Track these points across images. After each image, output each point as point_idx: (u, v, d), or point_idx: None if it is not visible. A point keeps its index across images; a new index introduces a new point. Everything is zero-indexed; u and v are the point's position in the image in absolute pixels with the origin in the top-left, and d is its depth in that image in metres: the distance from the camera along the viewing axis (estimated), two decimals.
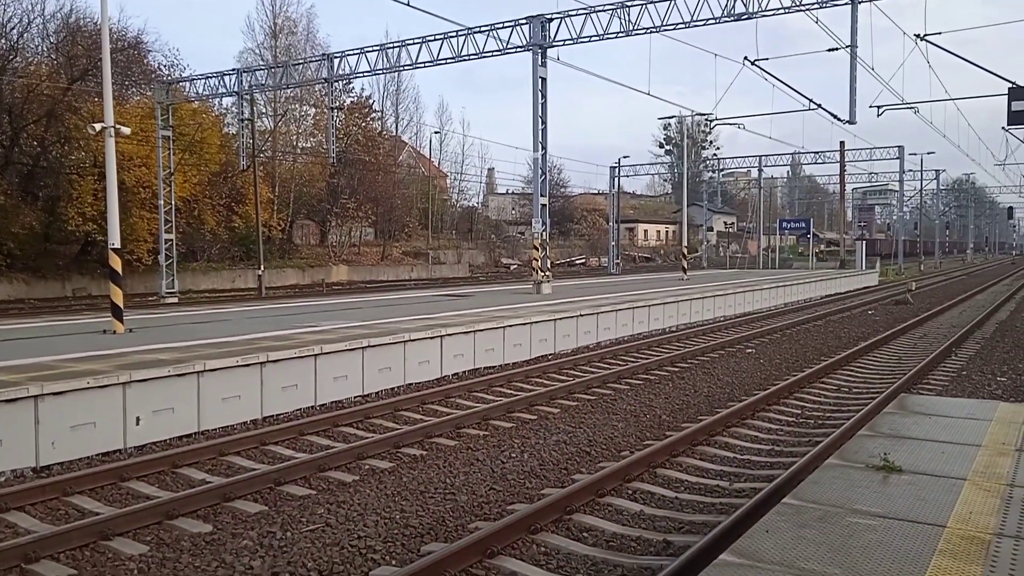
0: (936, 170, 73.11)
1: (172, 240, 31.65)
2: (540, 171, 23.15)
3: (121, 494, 7.62)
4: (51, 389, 8.41)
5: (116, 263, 13.82)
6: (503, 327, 15.03)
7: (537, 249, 23.67)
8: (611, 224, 58.25)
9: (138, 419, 9.15)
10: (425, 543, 6.30)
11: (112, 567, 5.91)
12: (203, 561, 5.96)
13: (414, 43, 25.69)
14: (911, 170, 64.09)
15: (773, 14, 21.10)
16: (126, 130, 15.20)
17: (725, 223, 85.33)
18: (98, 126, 14.43)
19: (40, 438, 8.30)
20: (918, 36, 22.08)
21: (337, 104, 34.63)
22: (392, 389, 12.51)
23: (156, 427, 9.35)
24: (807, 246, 56.68)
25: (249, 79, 31.03)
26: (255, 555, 6.06)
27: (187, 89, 32.77)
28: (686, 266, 35.51)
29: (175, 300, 30.09)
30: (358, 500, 7.34)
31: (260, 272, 36.23)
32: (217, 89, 31.38)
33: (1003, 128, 27.38)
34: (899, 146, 54.53)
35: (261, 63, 45.73)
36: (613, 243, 56.43)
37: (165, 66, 38.51)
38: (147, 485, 7.83)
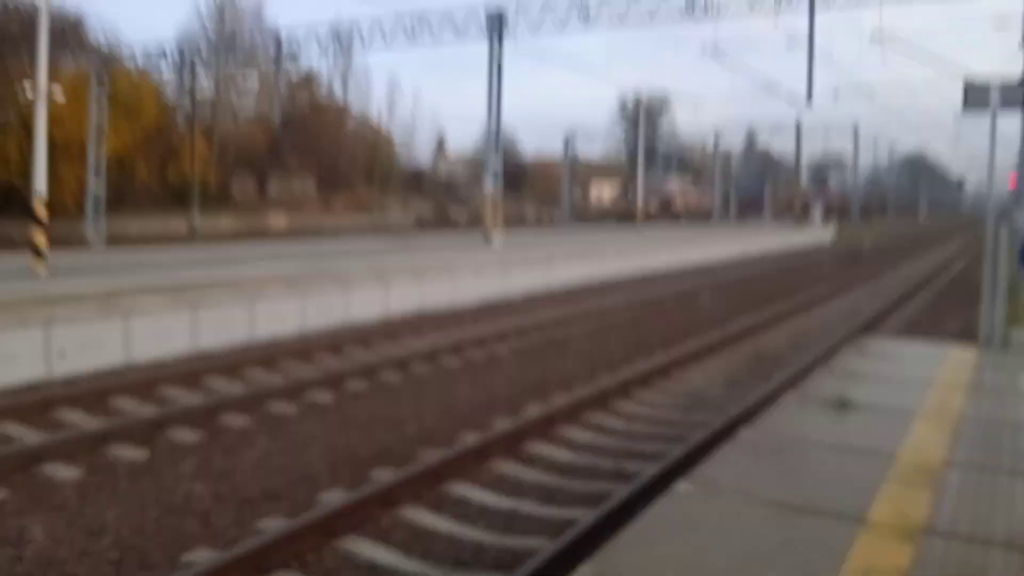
0: (890, 140, 73.70)
1: (102, 184, 29.96)
2: (495, 120, 22.44)
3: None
4: None
5: (41, 207, 12.91)
6: (451, 274, 14.81)
7: (489, 202, 23.11)
8: (565, 173, 56.76)
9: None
10: (373, 469, 6.12)
11: (48, 492, 5.65)
12: (143, 486, 5.73)
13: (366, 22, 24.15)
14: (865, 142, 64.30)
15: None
16: (60, 98, 14.26)
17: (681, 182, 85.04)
18: (31, 93, 13.50)
19: None
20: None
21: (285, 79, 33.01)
22: (334, 329, 12.09)
23: (82, 360, 9.03)
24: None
25: (192, 52, 29.54)
26: (196, 480, 5.85)
27: (127, 62, 31.15)
28: (640, 216, 35.24)
29: (103, 245, 28.71)
30: (302, 431, 7.12)
31: (193, 214, 34.54)
32: (159, 65, 29.93)
33: (957, 114, 27.59)
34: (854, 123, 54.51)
35: (205, 38, 43.29)
36: (567, 197, 55.15)
37: (106, 46, 36.37)
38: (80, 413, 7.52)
